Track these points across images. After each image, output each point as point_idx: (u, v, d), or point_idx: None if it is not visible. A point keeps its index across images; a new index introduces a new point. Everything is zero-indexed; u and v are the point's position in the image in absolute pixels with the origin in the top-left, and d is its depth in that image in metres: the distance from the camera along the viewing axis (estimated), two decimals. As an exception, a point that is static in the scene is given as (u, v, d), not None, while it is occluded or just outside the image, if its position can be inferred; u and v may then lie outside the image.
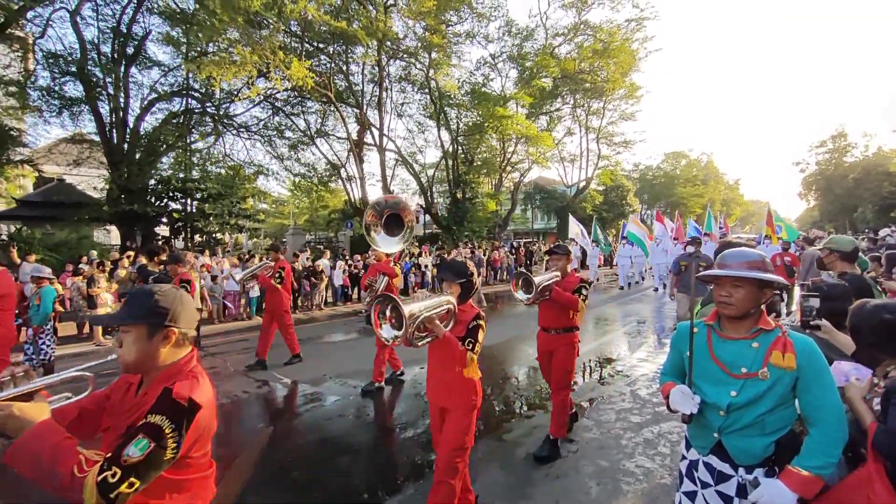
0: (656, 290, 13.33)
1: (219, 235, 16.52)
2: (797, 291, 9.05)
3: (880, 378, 1.58)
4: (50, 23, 12.80)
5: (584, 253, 17.19)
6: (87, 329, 8.51)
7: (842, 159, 44.76)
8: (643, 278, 16.17)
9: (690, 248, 7.02)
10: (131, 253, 10.69)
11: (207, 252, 12.39)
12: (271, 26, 13.03)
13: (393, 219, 4.17)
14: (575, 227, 15.27)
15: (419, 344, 2.22)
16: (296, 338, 6.37)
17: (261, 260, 11.73)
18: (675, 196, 40.81)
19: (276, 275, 6.06)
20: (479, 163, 23.16)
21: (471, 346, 2.34)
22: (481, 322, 2.44)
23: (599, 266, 18.19)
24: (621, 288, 14.22)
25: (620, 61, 22.11)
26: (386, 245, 4.21)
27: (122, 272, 9.01)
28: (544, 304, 3.57)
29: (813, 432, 1.46)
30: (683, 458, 1.77)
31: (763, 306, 1.61)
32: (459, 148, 22.07)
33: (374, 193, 22.38)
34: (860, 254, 3.81)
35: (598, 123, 26.48)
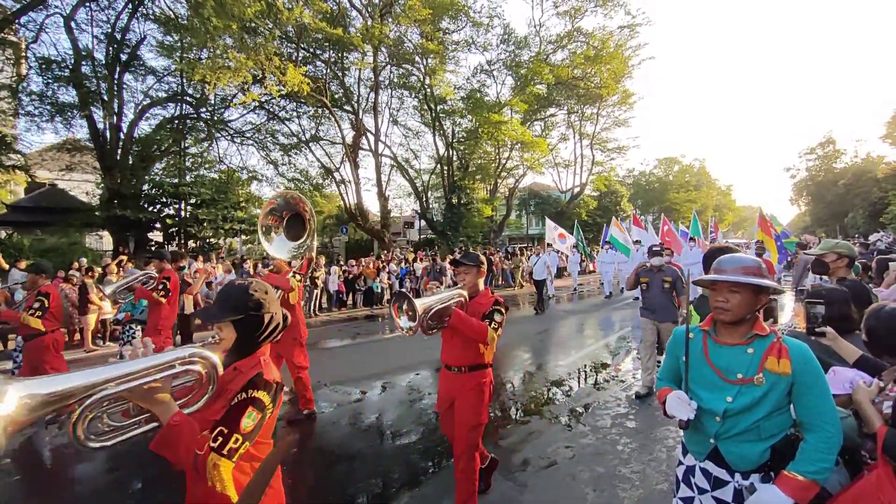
0: (636, 298, 12.98)
1: (213, 241, 16.42)
2: (783, 299, 9.10)
3: (888, 382, 1.58)
4: (44, 28, 12.77)
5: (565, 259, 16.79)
6: (77, 336, 8.42)
7: (831, 165, 45.51)
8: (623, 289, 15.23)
9: (658, 260, 4.97)
10: (123, 258, 10.59)
11: (201, 257, 12.29)
12: (266, 33, 13.06)
13: (295, 220, 3.60)
14: (552, 232, 14.45)
15: (92, 447, 1.18)
16: None
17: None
18: (669, 201, 41.14)
19: (160, 287, 5.01)
20: (475, 168, 23.27)
21: (219, 442, 1.25)
22: (256, 394, 1.36)
23: (584, 273, 17.74)
24: (607, 296, 13.73)
25: (613, 68, 22.38)
26: (280, 250, 3.62)
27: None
28: (446, 334, 2.69)
29: (809, 437, 1.46)
30: (680, 463, 1.77)
31: (759, 312, 1.61)
32: (455, 154, 22.15)
33: (370, 198, 22.31)
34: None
35: (591, 129, 26.77)
